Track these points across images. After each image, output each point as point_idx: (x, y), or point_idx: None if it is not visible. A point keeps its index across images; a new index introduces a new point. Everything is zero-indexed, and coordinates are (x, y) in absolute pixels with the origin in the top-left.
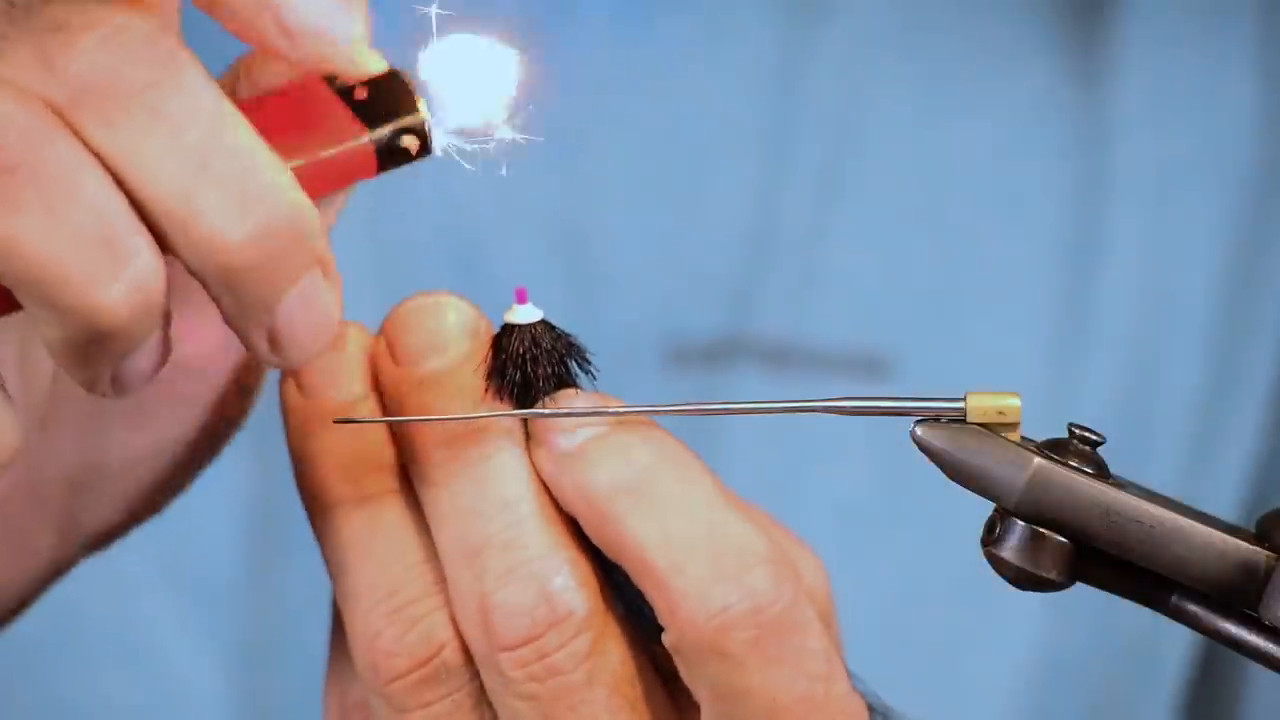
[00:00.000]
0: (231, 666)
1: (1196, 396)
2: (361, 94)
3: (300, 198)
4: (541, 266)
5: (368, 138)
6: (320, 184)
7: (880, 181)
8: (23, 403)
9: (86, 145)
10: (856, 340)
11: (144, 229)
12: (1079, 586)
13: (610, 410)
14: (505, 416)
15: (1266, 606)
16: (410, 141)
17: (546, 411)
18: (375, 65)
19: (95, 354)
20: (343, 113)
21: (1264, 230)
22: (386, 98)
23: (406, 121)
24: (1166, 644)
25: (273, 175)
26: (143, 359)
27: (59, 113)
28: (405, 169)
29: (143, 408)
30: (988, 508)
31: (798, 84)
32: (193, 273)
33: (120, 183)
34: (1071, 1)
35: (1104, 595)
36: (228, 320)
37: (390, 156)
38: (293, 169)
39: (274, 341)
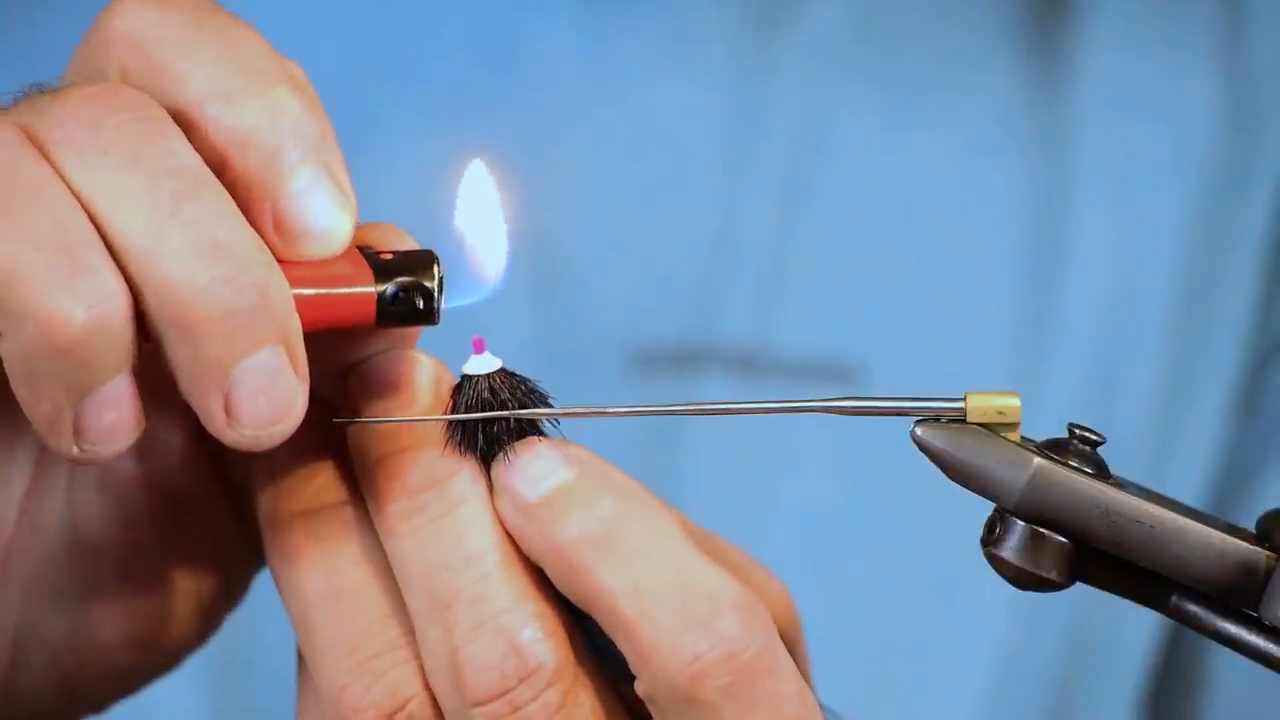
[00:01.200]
0: (202, 684)
1: (1159, 395)
2: (387, 257)
3: (273, 268)
4: (507, 273)
5: (372, 287)
6: (317, 317)
7: (845, 187)
8: None
9: (62, 178)
10: (822, 346)
11: (109, 259)
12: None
13: (609, 410)
14: (508, 416)
15: (1266, 606)
16: (415, 301)
17: (547, 411)
18: (408, 243)
19: (53, 377)
20: (360, 264)
21: (1225, 228)
22: (407, 263)
23: (414, 281)
24: (1130, 644)
25: (245, 236)
26: (107, 408)
27: (39, 146)
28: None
29: (90, 584)
30: (954, 512)
31: (762, 90)
32: (154, 323)
33: (91, 218)
34: (1031, 5)
35: (1067, 597)
36: (184, 386)
37: (391, 308)
38: (294, 296)
39: (230, 410)
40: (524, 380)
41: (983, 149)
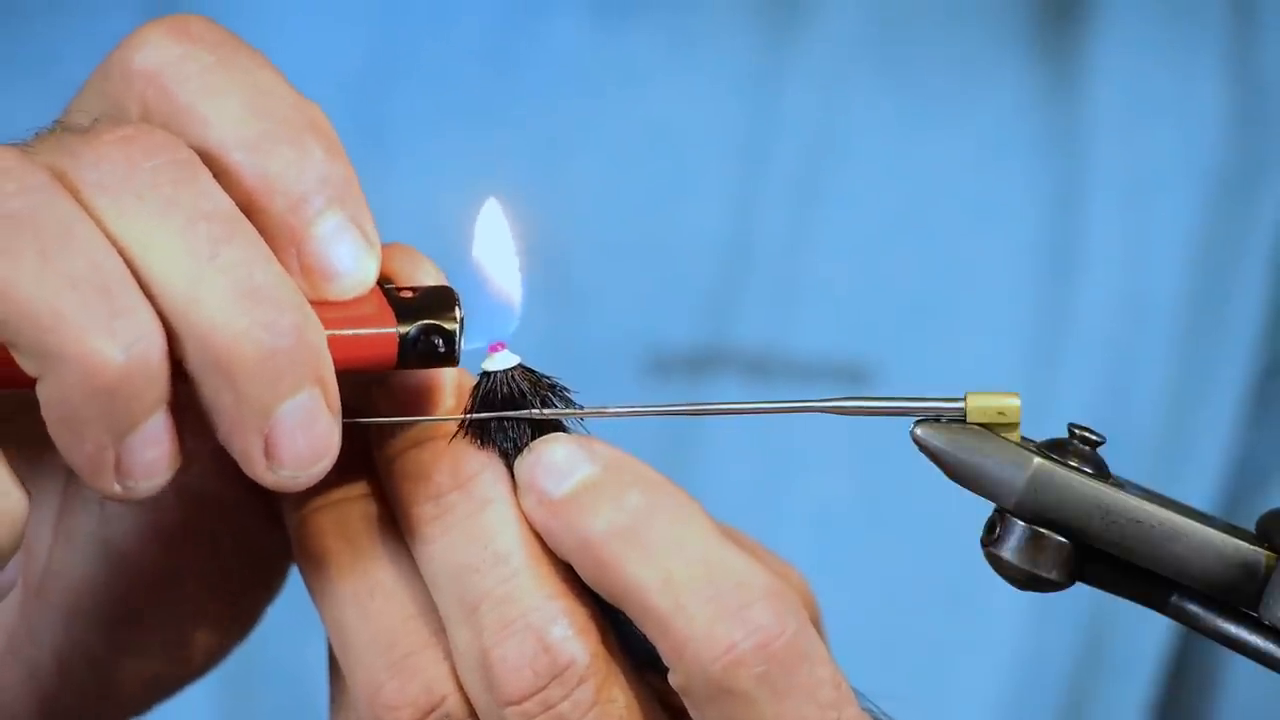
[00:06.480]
0: (213, 688)
1: (1172, 396)
2: (408, 295)
3: (307, 309)
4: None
5: (394, 329)
6: (341, 357)
7: (858, 189)
8: (23, 571)
9: (95, 220)
10: (836, 348)
11: (144, 297)
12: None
13: (609, 410)
14: (518, 417)
15: (1266, 606)
16: (436, 343)
17: (562, 411)
18: (431, 278)
19: (95, 418)
20: (382, 305)
21: (1236, 232)
22: (428, 303)
23: (436, 324)
24: (1144, 645)
25: (280, 279)
26: (148, 445)
27: (71, 189)
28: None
29: (128, 597)
30: (968, 513)
31: (775, 93)
32: (191, 365)
33: (125, 260)
34: (1044, 8)
35: (1082, 598)
36: (223, 429)
37: (413, 350)
38: None
39: (270, 452)
40: (544, 377)
41: (996, 151)
